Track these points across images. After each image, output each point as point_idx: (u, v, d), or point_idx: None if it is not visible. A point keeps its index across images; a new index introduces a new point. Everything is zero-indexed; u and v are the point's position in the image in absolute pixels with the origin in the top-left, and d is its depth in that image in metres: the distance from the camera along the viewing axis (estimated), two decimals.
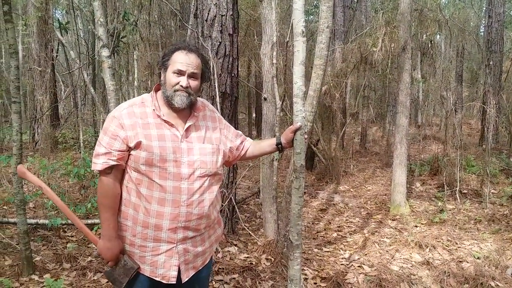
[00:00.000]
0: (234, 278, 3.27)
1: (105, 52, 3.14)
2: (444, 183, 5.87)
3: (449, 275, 3.43)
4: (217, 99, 3.78)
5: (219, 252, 3.67)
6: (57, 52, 10.25)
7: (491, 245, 4.10)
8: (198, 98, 1.77)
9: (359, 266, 3.68)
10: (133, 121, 1.62)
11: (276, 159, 3.94)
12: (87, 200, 4.66)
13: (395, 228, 4.75)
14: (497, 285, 3.28)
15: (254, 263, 3.59)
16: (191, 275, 1.73)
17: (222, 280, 3.22)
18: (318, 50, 2.99)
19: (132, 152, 1.61)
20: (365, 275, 3.48)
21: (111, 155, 1.61)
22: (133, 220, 1.66)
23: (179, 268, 1.68)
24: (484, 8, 15.55)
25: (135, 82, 7.33)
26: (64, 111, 12.34)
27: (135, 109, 1.66)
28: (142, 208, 1.63)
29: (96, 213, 4.35)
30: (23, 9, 10.40)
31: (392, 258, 3.88)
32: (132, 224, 1.66)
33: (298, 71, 1.83)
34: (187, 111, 1.72)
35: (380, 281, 3.32)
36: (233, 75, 3.98)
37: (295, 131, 1.82)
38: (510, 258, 3.77)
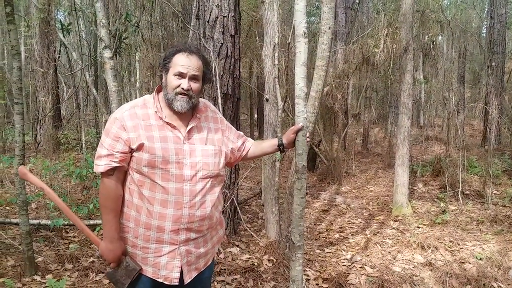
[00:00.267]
0: (236, 279, 3.27)
1: (107, 53, 3.15)
2: (446, 184, 5.85)
3: (451, 276, 3.42)
4: (219, 100, 3.78)
5: (221, 252, 3.67)
6: (59, 54, 10.27)
7: (494, 246, 4.09)
8: (200, 99, 1.77)
9: (361, 267, 3.68)
10: (135, 122, 1.62)
11: (278, 160, 3.95)
12: (89, 201, 4.67)
13: (397, 229, 4.74)
14: (500, 286, 3.27)
15: (256, 264, 3.59)
16: (194, 276, 1.73)
17: (224, 281, 3.22)
18: (320, 51, 2.99)
19: (134, 154, 1.61)
20: (367, 276, 3.48)
21: (113, 157, 1.61)
22: (135, 222, 1.66)
23: (181, 269, 1.68)
24: (486, 9, 15.53)
25: (137, 83, 7.34)
26: (66, 112, 12.38)
27: (137, 111, 1.65)
28: (145, 210, 1.63)
29: (98, 214, 4.36)
30: (25, 11, 10.46)
31: (394, 259, 3.88)
32: (134, 226, 1.66)
33: (300, 72, 1.83)
34: (189, 113, 1.71)
35: (382, 282, 3.31)
36: (235, 76, 3.99)
37: (297, 132, 1.82)
38: None
